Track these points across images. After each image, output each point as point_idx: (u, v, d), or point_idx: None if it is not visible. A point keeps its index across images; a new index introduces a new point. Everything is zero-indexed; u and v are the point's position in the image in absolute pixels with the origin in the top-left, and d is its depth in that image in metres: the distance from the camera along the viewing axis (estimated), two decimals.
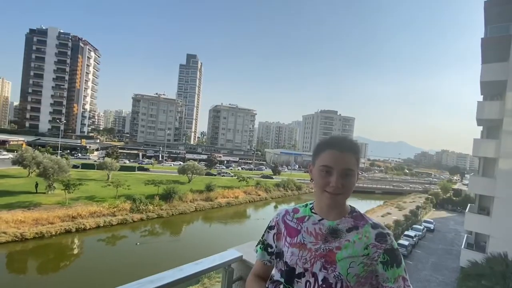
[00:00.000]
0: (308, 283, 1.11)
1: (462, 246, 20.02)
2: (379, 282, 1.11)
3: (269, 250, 1.29)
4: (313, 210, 1.24)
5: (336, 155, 1.12)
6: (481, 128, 22.94)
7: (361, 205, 53.32)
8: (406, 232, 29.92)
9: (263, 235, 1.33)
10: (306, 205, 1.29)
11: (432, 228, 35.26)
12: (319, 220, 1.20)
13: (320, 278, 1.10)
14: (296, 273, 1.14)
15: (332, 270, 1.09)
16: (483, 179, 19.12)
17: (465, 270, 14.34)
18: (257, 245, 1.35)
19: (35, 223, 24.72)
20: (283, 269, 1.22)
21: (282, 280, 1.20)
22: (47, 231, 24.17)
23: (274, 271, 1.30)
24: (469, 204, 25.39)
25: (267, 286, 1.30)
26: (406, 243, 25.87)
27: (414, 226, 33.78)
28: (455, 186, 68.79)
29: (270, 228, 1.31)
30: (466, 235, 22.61)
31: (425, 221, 37.50)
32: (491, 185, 17.09)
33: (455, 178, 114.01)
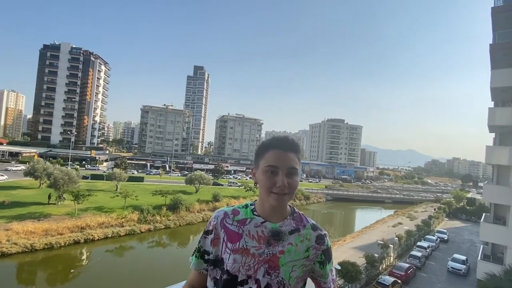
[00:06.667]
0: None
1: (478, 258, 19.24)
2: (314, 277, 1.19)
3: (206, 257, 1.19)
4: (255, 212, 1.19)
5: (281, 154, 1.11)
6: (493, 134, 22.40)
7: (371, 215, 52.20)
8: (418, 243, 29.04)
9: (199, 241, 1.22)
10: (247, 205, 1.23)
11: (445, 238, 34.21)
12: (262, 223, 1.16)
13: (263, 284, 1.07)
14: (239, 280, 1.08)
15: (276, 276, 1.08)
16: (498, 187, 18.52)
17: (482, 283, 13.75)
18: (192, 254, 1.23)
19: (45, 234, 24.97)
20: (219, 277, 1.13)
21: None
22: (56, 242, 24.36)
23: (208, 282, 1.20)
24: (484, 214, 24.52)
25: None
26: (419, 254, 25.05)
27: (427, 236, 32.82)
28: (469, 195, 66.89)
29: (207, 233, 1.21)
30: (482, 246, 21.81)
31: (438, 231, 36.42)
32: (507, 194, 16.53)
33: (466, 188, 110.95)
